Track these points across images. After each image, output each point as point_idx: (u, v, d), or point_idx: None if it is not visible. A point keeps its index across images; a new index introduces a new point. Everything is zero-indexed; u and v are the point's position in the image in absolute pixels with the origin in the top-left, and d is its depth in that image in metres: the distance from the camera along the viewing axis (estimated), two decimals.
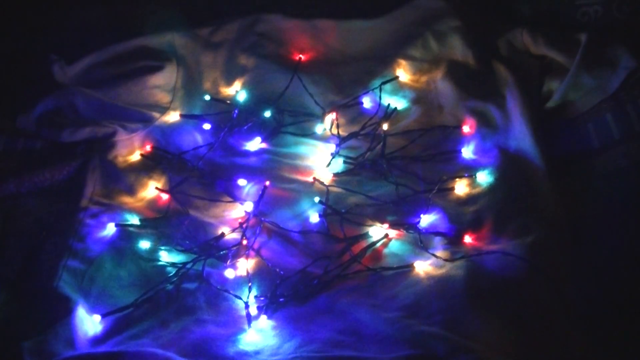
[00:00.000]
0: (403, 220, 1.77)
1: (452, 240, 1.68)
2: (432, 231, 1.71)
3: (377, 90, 2.05)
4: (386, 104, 2.02)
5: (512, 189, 1.75)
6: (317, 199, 1.83)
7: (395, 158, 1.91)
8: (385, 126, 1.96)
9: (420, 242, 1.69)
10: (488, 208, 1.72)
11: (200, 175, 1.95)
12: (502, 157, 1.82)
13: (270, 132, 2.05)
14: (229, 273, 1.70)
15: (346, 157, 1.94)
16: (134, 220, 1.83)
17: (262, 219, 1.81)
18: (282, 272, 1.68)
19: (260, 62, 2.14)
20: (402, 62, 2.10)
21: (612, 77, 1.83)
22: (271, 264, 1.71)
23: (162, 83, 2.08)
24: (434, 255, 1.64)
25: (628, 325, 1.49)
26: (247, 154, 2.01)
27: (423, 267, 1.62)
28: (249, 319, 1.58)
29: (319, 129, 2.04)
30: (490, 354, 1.38)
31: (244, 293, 1.65)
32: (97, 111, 2.01)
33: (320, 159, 1.96)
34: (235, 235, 1.79)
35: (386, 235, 1.73)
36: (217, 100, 2.12)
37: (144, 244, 1.77)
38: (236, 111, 2.05)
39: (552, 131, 1.87)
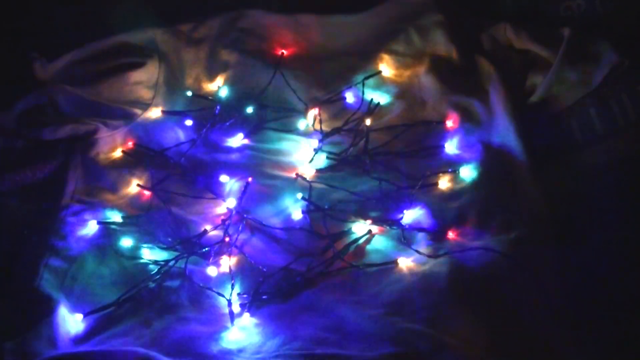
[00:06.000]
0: (386, 216, 1.76)
1: (436, 236, 1.67)
2: (415, 227, 1.71)
3: (360, 85, 2.04)
4: (369, 99, 2.01)
5: (496, 184, 1.75)
6: (299, 195, 1.82)
7: (379, 153, 1.91)
8: (368, 121, 1.95)
9: (404, 239, 1.69)
10: (471, 204, 1.72)
11: (183, 171, 1.94)
12: (486, 152, 1.82)
13: (253, 128, 2.04)
14: (212, 270, 1.69)
15: (329, 152, 1.94)
16: (116, 217, 1.82)
17: (245, 215, 1.80)
18: (265, 270, 1.67)
19: (243, 57, 2.12)
20: (385, 56, 2.09)
21: (596, 71, 1.84)
22: (254, 261, 1.70)
23: (143, 79, 2.07)
24: (417, 251, 1.64)
25: (612, 323, 1.49)
26: (230, 150, 1.99)
27: (406, 263, 1.62)
28: (232, 316, 1.57)
29: (301, 124, 2.03)
30: (473, 351, 1.38)
31: (226, 290, 1.64)
32: (78, 108, 1.99)
33: (303, 155, 1.95)
34: (218, 232, 1.78)
35: (369, 232, 1.72)
36: (199, 96, 2.10)
37: (126, 242, 1.75)
38: (218, 107, 2.04)
39: (536, 126, 1.87)
